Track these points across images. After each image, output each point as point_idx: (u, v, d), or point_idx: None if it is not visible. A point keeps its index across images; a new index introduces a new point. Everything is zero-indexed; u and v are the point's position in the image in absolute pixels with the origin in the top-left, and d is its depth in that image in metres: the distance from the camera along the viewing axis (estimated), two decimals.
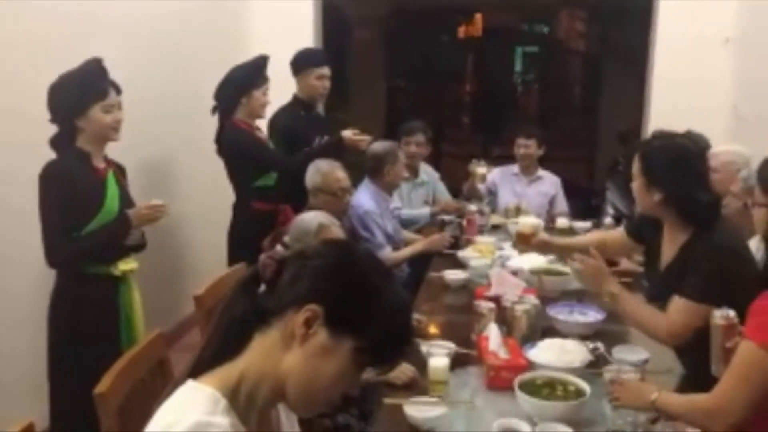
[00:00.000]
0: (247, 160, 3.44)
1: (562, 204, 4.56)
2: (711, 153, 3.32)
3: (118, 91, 2.61)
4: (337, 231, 2.51)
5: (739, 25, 4.65)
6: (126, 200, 2.68)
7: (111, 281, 2.64)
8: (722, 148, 3.28)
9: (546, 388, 1.99)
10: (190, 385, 1.07)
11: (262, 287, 1.12)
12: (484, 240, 3.67)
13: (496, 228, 4.03)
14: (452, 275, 3.11)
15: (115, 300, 2.67)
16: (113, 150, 2.76)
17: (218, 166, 3.61)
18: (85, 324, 2.55)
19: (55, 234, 2.46)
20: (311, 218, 2.51)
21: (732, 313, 1.82)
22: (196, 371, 1.09)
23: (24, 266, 2.85)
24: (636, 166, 2.17)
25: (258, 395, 1.08)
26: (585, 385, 1.98)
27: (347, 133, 3.54)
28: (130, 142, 3.36)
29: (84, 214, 2.52)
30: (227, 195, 3.67)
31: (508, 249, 3.50)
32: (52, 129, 2.57)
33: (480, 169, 4.33)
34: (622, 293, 2.21)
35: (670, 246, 2.22)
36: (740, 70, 4.66)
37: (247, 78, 3.46)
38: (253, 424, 1.08)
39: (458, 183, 4.66)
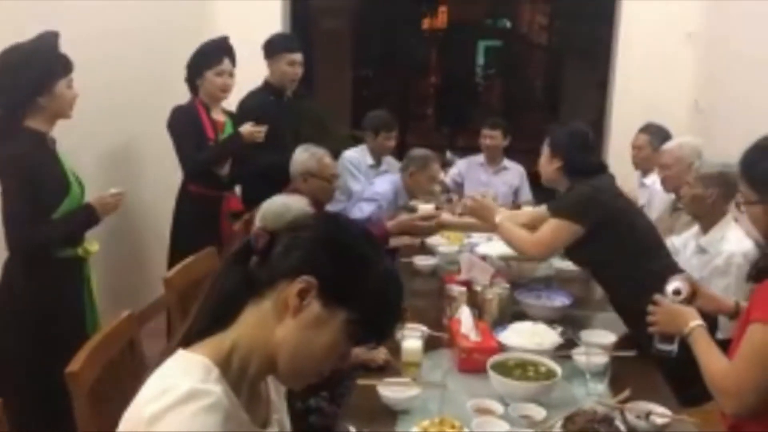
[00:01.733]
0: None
1: (527, 193, 4.62)
2: (663, 149, 3.44)
3: (72, 67, 2.52)
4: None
5: (701, 19, 4.76)
6: (77, 179, 2.61)
7: (76, 262, 2.60)
8: (672, 143, 3.40)
9: (518, 369, 2.02)
10: (181, 353, 1.06)
11: (254, 259, 1.11)
12: None
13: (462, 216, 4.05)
14: (422, 261, 3.13)
15: (80, 281, 2.63)
16: (74, 134, 2.69)
17: None
18: (51, 307, 2.49)
19: (22, 224, 2.39)
20: (295, 202, 2.46)
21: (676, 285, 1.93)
22: (186, 341, 1.08)
23: None
24: (545, 144, 2.63)
25: (249, 366, 1.08)
26: (555, 367, 2.02)
27: (245, 128, 3.48)
28: (93, 125, 3.33)
29: (52, 199, 2.45)
30: None
31: (475, 236, 3.53)
32: None
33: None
34: (504, 221, 2.73)
35: None
36: (701, 64, 4.77)
37: (200, 59, 3.44)
38: (245, 394, 1.08)
39: None
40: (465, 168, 4.61)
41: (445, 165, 4.75)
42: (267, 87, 3.84)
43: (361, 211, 3.72)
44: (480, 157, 4.63)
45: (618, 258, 2.42)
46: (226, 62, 3.47)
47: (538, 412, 1.86)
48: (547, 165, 2.61)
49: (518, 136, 8.06)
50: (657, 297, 1.95)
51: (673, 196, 3.65)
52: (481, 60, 12.91)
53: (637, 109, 4.67)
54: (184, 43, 4.01)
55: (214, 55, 3.44)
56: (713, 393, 1.72)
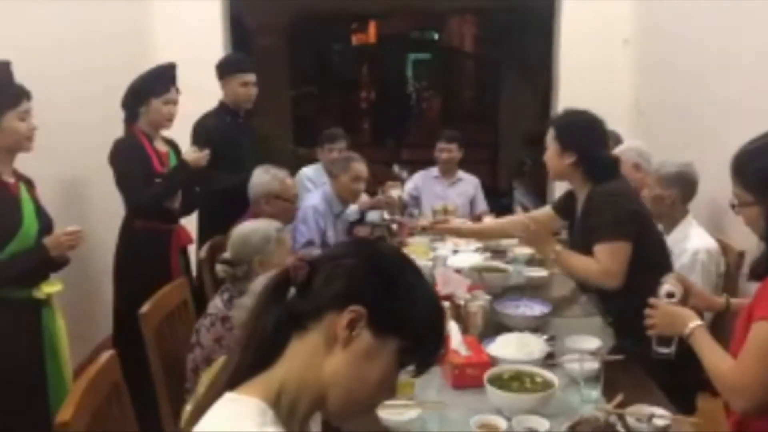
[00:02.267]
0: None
1: (482, 203, 4.66)
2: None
3: (29, 97, 2.41)
4: (288, 238, 2.45)
5: (636, 26, 4.92)
6: (43, 215, 2.49)
7: (33, 305, 2.45)
8: (617, 150, 3.47)
9: (514, 382, 2.01)
10: (231, 397, 1.00)
11: (292, 291, 1.06)
12: (417, 241, 3.69)
13: (425, 230, 4.04)
14: None
15: (38, 326, 2.47)
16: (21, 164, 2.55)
17: None
18: (6, 354, 2.34)
19: None
20: (265, 228, 2.41)
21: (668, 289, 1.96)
22: (232, 382, 1.02)
23: None
24: (550, 136, 2.53)
25: (300, 404, 1.03)
26: (551, 376, 2.02)
27: (189, 154, 3.35)
28: (39, 154, 3.17)
29: (1, 236, 2.31)
30: None
31: (442, 249, 3.53)
32: None
33: (394, 191, 4.30)
34: (563, 251, 2.53)
35: (579, 206, 2.58)
36: (639, 68, 4.92)
37: (147, 86, 3.26)
38: None
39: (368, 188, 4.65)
40: (420, 182, 4.63)
41: (394, 179, 4.76)
42: (222, 108, 3.77)
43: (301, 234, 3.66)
44: (434, 170, 4.65)
45: (633, 268, 2.37)
46: (173, 90, 3.33)
47: (542, 424, 1.85)
48: (558, 160, 2.51)
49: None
50: (653, 300, 1.97)
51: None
52: (410, 73, 13.08)
53: None
54: (122, 66, 3.90)
55: (161, 82, 3.28)
56: (721, 391, 1.75)
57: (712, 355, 1.77)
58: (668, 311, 1.93)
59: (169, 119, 3.32)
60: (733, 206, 1.80)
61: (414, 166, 5.35)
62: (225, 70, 3.73)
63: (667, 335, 1.93)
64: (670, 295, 1.96)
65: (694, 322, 1.84)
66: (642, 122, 4.75)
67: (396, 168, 5.45)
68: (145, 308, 2.26)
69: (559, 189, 5.29)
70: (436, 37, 12.54)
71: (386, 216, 4.28)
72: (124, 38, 4.55)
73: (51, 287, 2.49)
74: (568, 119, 2.56)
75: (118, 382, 1.89)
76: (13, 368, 2.35)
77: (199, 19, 4.98)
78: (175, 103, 3.34)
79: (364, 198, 4.44)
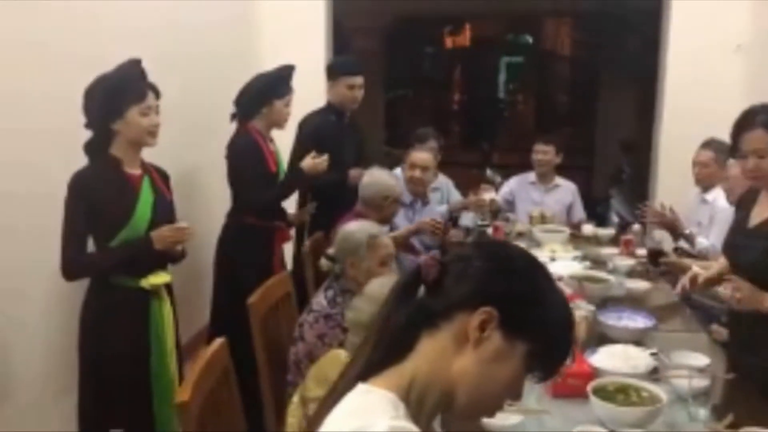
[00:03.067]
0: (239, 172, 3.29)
1: (579, 211, 4.56)
2: (729, 163, 3.39)
3: (157, 94, 2.52)
4: (387, 240, 2.48)
5: (750, 30, 4.70)
6: (163, 207, 2.57)
7: (141, 295, 2.53)
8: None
9: (620, 394, 1.97)
10: (365, 388, 1.03)
11: (423, 289, 1.07)
12: None
13: (520, 235, 4.02)
14: None
15: (146, 314, 2.55)
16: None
17: None
18: (114, 338, 2.46)
19: (72, 247, 2.36)
20: (361, 232, 2.46)
21: None
22: (364, 374, 1.05)
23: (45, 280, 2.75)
24: (761, 141, 2.23)
25: (427, 400, 1.04)
26: (659, 391, 1.96)
27: (307, 162, 3.38)
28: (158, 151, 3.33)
29: (111, 223, 2.42)
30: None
31: (540, 255, 3.47)
32: (69, 140, 2.46)
33: (487, 195, 4.28)
34: None
35: (765, 208, 2.32)
36: (752, 76, 4.71)
37: (271, 87, 3.32)
38: (422, 429, 1.04)
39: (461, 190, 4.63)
40: (516, 186, 4.56)
41: (486, 182, 4.72)
42: (328, 107, 3.85)
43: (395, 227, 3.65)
44: (531, 175, 4.57)
45: None
46: (292, 92, 3.43)
47: None
48: None
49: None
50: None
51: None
52: (503, 76, 12.94)
53: (687, 123, 4.63)
54: (229, 61, 3.99)
55: (284, 84, 3.37)
56: None
57: None
58: (746, 287, 1.95)
59: (286, 120, 3.41)
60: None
61: (506, 170, 5.31)
62: (333, 72, 3.81)
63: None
64: None
65: None
66: None
67: (489, 172, 5.43)
68: (253, 298, 2.34)
69: (656, 202, 5.15)
70: (531, 40, 12.38)
71: (479, 221, 4.27)
72: (232, 33, 4.70)
73: (157, 278, 2.55)
74: None
75: (228, 368, 1.96)
76: (118, 349, 2.46)
77: (303, 19, 5.11)
78: (290, 104, 3.43)
79: (456, 199, 4.43)
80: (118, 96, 2.39)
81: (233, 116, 3.39)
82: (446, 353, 1.04)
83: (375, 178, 3.22)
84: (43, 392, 2.78)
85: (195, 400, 1.67)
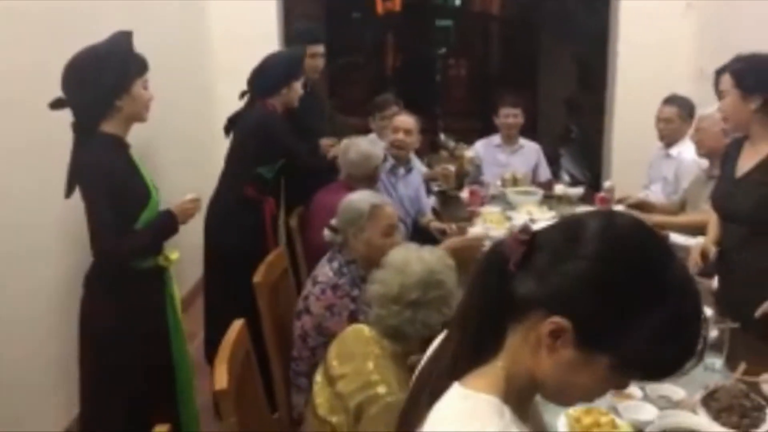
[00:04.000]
0: (269, 145, 3.19)
1: (545, 171, 4.60)
2: (700, 115, 3.48)
3: (147, 66, 2.38)
4: (390, 210, 2.43)
5: None
6: (155, 185, 2.46)
7: (158, 272, 2.45)
8: (707, 111, 3.42)
9: None
10: (462, 391, 0.98)
11: (507, 275, 0.97)
12: (491, 210, 3.67)
13: (494, 198, 4.03)
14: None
15: (163, 291, 2.47)
16: None
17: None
18: (141, 318, 2.36)
19: (108, 236, 2.24)
20: (362, 201, 2.41)
21: None
22: (458, 373, 1.00)
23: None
24: (727, 84, 2.38)
25: (524, 396, 1.00)
26: None
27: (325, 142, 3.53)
28: None
29: (134, 205, 2.30)
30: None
31: (517, 217, 3.51)
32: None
33: (468, 152, 4.29)
34: None
35: (750, 157, 2.40)
36: (703, 33, 4.83)
37: (291, 68, 3.30)
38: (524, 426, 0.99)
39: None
40: (482, 150, 4.55)
41: (440, 148, 4.70)
42: None
43: None
44: (496, 138, 4.57)
45: None
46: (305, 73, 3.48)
47: (675, 392, 1.85)
48: (740, 107, 2.34)
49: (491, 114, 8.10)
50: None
51: (703, 163, 3.73)
52: (434, 40, 12.91)
53: (642, 82, 4.73)
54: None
55: (300, 65, 3.37)
56: None
57: None
58: None
59: (298, 100, 3.38)
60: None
61: (455, 134, 5.26)
62: (295, 40, 3.70)
63: None
64: None
65: None
66: (705, 89, 4.65)
67: (443, 137, 5.41)
68: (258, 277, 2.27)
69: (612, 159, 5.27)
70: (459, 2, 12.35)
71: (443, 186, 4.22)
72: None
73: (172, 254, 2.48)
74: (747, 62, 2.36)
75: (249, 350, 1.89)
76: (145, 330, 2.37)
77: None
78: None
79: (423, 170, 4.39)
80: (125, 69, 2.26)
81: (242, 94, 3.34)
82: (530, 351, 0.96)
83: (363, 151, 3.12)
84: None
85: (231, 386, 1.60)
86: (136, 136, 2.38)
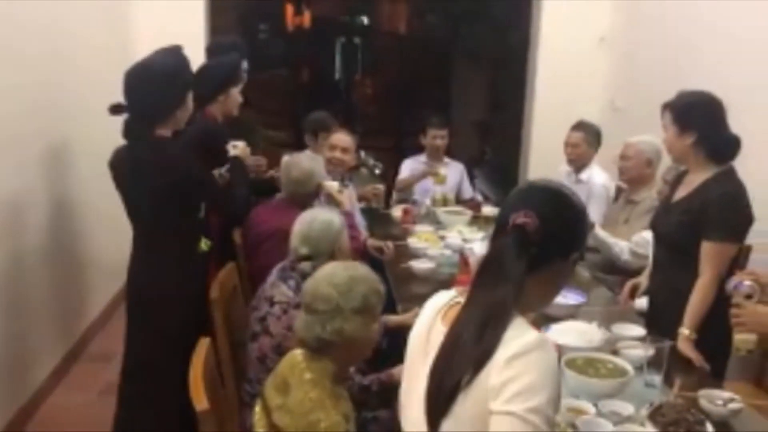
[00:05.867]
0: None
1: (468, 190, 4.75)
2: (627, 142, 3.71)
3: None
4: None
5: (612, 24, 5.13)
6: None
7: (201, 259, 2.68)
8: (636, 138, 3.66)
9: (590, 368, 2.11)
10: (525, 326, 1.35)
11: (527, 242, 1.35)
12: (424, 229, 3.75)
13: (426, 217, 4.12)
14: (420, 265, 3.15)
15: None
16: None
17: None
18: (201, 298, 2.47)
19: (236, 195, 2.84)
20: (334, 217, 2.47)
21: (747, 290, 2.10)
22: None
23: None
24: (667, 119, 2.54)
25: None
26: (622, 362, 2.13)
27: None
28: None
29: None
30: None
31: (449, 236, 3.59)
32: None
33: (442, 170, 4.43)
34: None
35: (686, 186, 2.58)
36: (615, 67, 5.14)
37: (228, 75, 3.27)
38: None
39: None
40: (410, 169, 4.65)
41: (361, 165, 4.77)
42: None
43: None
44: (422, 157, 4.67)
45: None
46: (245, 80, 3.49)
47: (625, 408, 1.96)
48: (677, 141, 2.52)
49: (406, 134, 8.22)
50: (738, 300, 2.10)
51: (611, 188, 4.04)
52: (340, 58, 12.98)
53: (557, 110, 4.97)
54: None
55: (238, 71, 3.35)
56: None
57: None
58: (757, 311, 2.06)
59: (238, 107, 3.37)
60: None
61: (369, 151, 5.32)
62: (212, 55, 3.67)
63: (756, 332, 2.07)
64: (749, 296, 2.09)
65: None
66: (617, 119, 4.96)
67: (363, 154, 5.47)
68: (214, 293, 2.24)
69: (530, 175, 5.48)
70: (366, 21, 12.47)
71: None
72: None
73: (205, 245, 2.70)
74: (685, 100, 2.53)
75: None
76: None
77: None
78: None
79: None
80: (185, 85, 2.64)
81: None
82: (541, 288, 1.41)
83: (306, 169, 3.11)
84: None
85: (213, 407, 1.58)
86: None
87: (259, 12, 10.41)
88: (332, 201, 3.28)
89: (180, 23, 4.72)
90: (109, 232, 4.07)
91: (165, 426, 2.51)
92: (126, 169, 2.54)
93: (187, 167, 2.55)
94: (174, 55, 2.58)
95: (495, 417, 1.23)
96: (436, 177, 4.40)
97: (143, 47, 4.35)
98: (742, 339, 2.10)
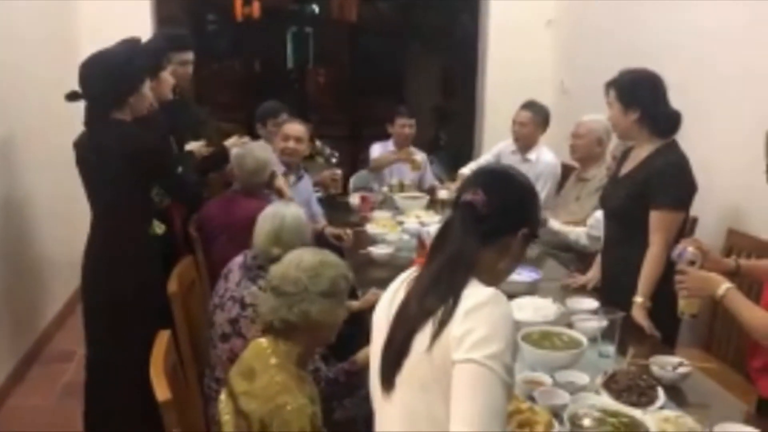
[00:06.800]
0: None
1: (430, 178, 4.78)
2: (579, 121, 3.78)
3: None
4: None
5: (558, 7, 5.21)
6: None
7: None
8: (587, 117, 3.73)
9: (546, 341, 2.17)
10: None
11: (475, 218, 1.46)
12: (382, 215, 3.78)
13: (383, 203, 4.15)
14: (379, 250, 3.17)
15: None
16: None
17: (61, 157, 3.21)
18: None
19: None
20: (300, 212, 2.48)
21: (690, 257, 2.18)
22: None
23: None
24: (612, 97, 2.61)
25: None
26: (577, 335, 2.19)
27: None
28: None
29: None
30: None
31: (407, 221, 3.63)
32: None
33: (418, 156, 4.51)
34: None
35: (632, 160, 2.65)
36: (563, 48, 5.23)
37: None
38: None
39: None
40: (379, 153, 4.65)
41: (316, 154, 4.78)
42: None
43: None
44: (389, 144, 4.68)
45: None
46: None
47: (580, 377, 2.02)
48: (622, 118, 2.58)
49: (361, 122, 8.21)
50: (683, 267, 2.17)
51: (557, 166, 4.13)
52: (291, 47, 12.87)
53: (508, 92, 5.00)
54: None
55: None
56: (761, 339, 1.98)
57: (750, 310, 1.97)
58: (699, 276, 2.12)
59: (149, 106, 2.86)
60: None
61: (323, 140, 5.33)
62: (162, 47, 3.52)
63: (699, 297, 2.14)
64: (692, 262, 2.17)
65: (726, 285, 2.03)
66: (566, 101, 5.05)
67: (318, 144, 5.48)
68: (172, 287, 2.23)
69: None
70: (317, 10, 12.37)
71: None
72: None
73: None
74: (627, 77, 2.59)
75: (176, 361, 1.87)
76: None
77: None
78: None
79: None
80: (140, 73, 2.70)
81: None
82: (497, 258, 1.49)
83: (260, 159, 3.11)
84: None
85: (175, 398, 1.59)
86: None
87: (207, 2, 10.27)
88: (281, 194, 3.25)
89: (125, 15, 4.65)
90: (62, 232, 4.03)
91: (131, 419, 2.51)
92: (86, 150, 2.62)
93: (144, 138, 2.63)
94: (128, 45, 2.66)
95: (457, 366, 1.33)
96: (413, 164, 4.45)
97: (87, 39, 4.38)
98: (686, 303, 2.17)
